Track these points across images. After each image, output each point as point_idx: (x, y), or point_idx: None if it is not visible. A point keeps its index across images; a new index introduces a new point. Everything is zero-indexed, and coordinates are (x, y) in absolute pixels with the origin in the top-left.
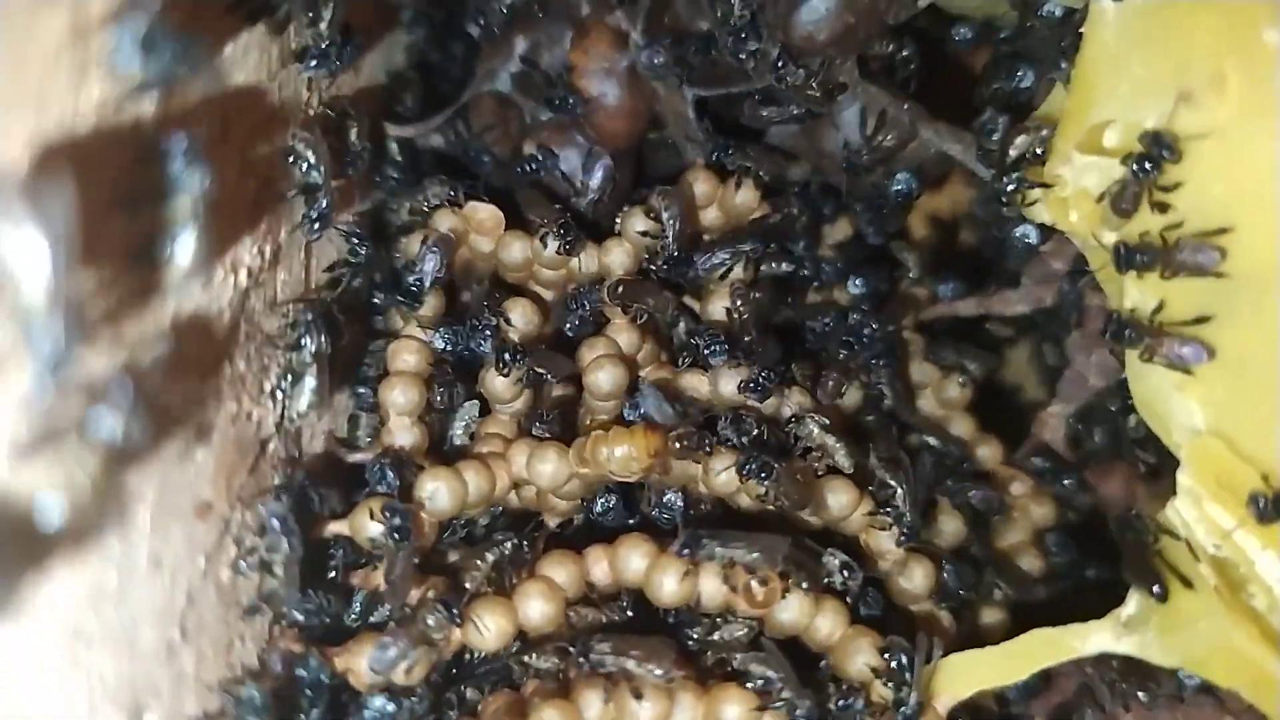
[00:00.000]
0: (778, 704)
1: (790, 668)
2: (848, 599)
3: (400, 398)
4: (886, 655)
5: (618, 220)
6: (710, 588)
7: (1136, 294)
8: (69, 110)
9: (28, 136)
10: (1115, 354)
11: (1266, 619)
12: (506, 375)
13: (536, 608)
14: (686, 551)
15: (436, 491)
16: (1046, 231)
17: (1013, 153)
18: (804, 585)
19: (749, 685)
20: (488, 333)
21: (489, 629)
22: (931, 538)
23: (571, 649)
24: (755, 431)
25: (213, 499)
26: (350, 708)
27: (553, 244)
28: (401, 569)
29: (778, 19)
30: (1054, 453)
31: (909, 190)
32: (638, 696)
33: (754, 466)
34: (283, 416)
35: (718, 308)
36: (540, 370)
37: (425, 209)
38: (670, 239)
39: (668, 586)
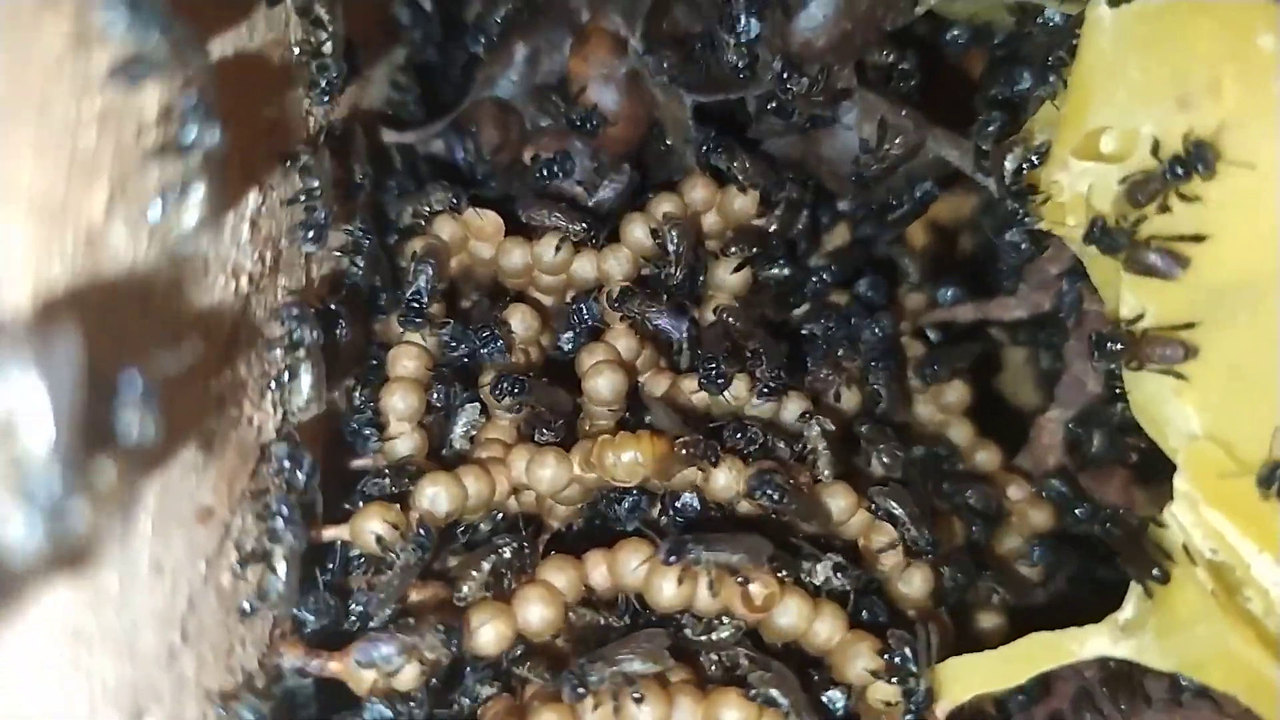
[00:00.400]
0: None
1: (799, 689)
2: (846, 603)
3: (400, 403)
4: (888, 655)
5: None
6: (708, 592)
7: (1132, 299)
8: (71, 118)
9: (30, 144)
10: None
11: (1263, 623)
12: (501, 400)
13: (536, 612)
14: (673, 558)
15: (436, 496)
16: (1043, 237)
17: (1008, 164)
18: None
19: (752, 695)
20: (497, 343)
21: (488, 634)
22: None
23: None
24: (761, 439)
25: (214, 504)
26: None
27: (564, 248)
28: (403, 579)
29: (776, 27)
30: (1071, 477)
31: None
32: (638, 701)
33: (767, 490)
34: (284, 421)
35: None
36: (539, 408)
37: (427, 214)
38: (674, 265)
39: (666, 590)
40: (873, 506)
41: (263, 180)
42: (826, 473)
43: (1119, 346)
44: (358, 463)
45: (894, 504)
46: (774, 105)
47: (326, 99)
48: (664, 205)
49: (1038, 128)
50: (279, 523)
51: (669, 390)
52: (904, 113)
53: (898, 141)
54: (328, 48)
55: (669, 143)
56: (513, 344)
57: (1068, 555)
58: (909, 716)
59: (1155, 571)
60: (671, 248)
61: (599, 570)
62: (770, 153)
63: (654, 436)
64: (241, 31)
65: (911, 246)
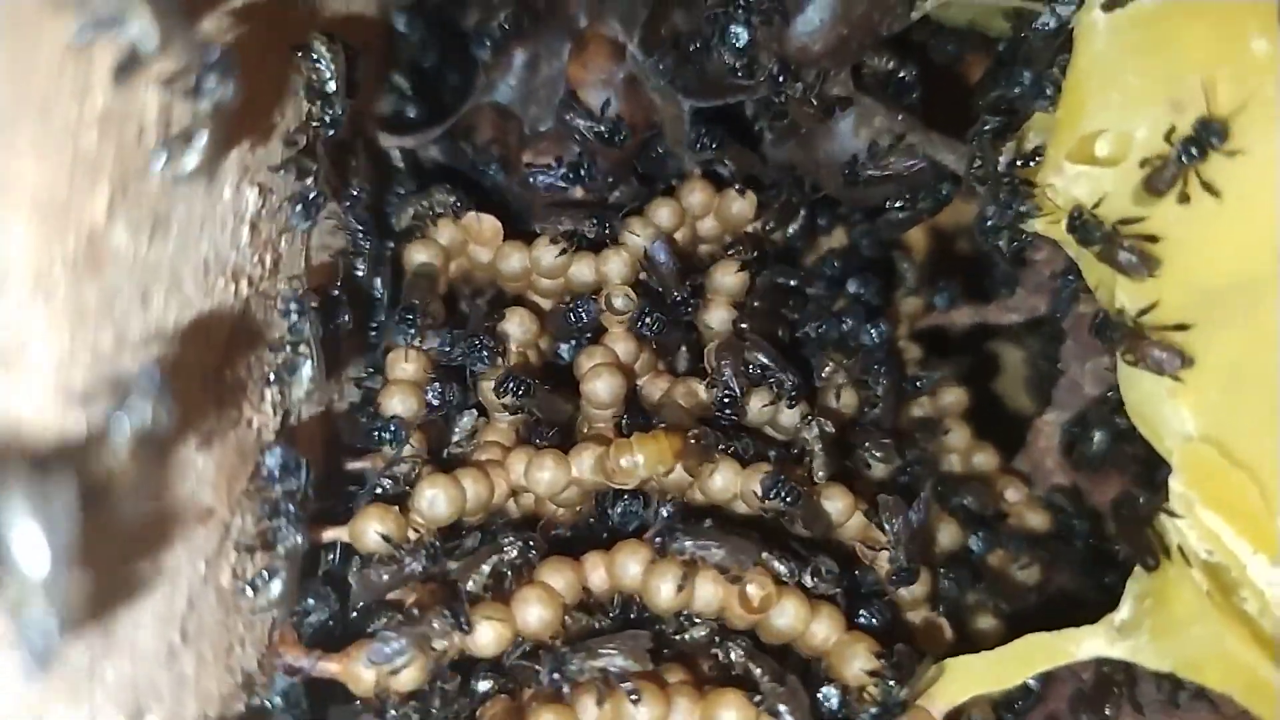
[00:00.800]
0: None
1: (808, 708)
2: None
3: (399, 406)
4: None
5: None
6: (706, 593)
7: (1126, 298)
8: (73, 119)
9: (32, 145)
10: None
11: (1258, 623)
12: (503, 399)
13: (535, 613)
14: (660, 541)
15: (435, 498)
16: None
17: (1002, 160)
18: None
19: (757, 702)
20: (485, 354)
21: (487, 634)
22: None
23: (539, 668)
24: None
25: (214, 504)
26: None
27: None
28: (399, 581)
29: (773, 32)
30: (1077, 493)
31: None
32: (635, 700)
33: (781, 489)
34: (283, 424)
35: (717, 316)
36: (537, 414)
37: (429, 216)
38: (668, 285)
39: (664, 592)
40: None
41: (262, 183)
42: (821, 474)
43: (1118, 335)
44: (357, 464)
45: (887, 519)
46: (770, 109)
47: (331, 133)
48: (662, 209)
49: (1033, 131)
50: (280, 523)
51: (667, 392)
52: (900, 117)
53: (908, 164)
54: (330, 86)
55: (667, 147)
56: (508, 352)
57: (1065, 556)
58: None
59: (1150, 560)
60: (660, 269)
61: (598, 572)
62: (768, 156)
63: (667, 434)
64: (242, 32)
65: (910, 250)
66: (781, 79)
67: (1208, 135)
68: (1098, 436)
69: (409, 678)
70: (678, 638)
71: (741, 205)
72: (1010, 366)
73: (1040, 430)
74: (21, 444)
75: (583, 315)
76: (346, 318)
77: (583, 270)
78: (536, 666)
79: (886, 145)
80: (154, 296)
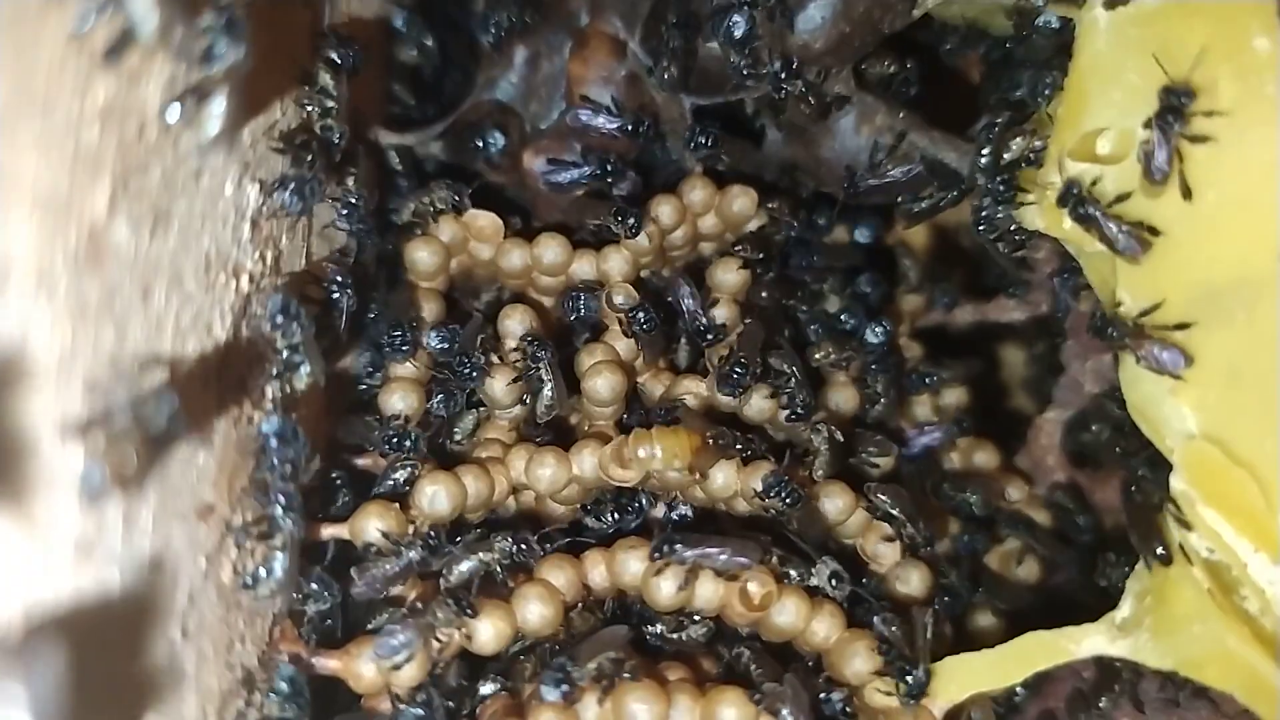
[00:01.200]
0: None
1: (809, 706)
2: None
3: (399, 404)
4: (881, 641)
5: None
6: (706, 591)
7: (1128, 296)
8: (74, 114)
9: (33, 140)
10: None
11: (1259, 621)
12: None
13: (535, 610)
14: (659, 555)
15: (435, 495)
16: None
17: (1007, 156)
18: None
19: (757, 701)
20: (475, 374)
21: (487, 631)
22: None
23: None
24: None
25: (214, 501)
26: None
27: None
28: (399, 575)
29: (774, 30)
30: (1078, 491)
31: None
32: (634, 679)
33: (783, 490)
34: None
35: (720, 314)
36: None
37: (429, 213)
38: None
39: (665, 590)
40: (869, 505)
41: (264, 180)
42: (820, 472)
43: (1117, 332)
44: (360, 461)
45: (890, 502)
46: (772, 107)
47: (334, 155)
48: (663, 207)
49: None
50: (277, 510)
51: (667, 390)
52: (901, 115)
53: (904, 169)
54: (332, 112)
55: (668, 145)
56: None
57: (1065, 555)
58: (909, 698)
59: (1160, 551)
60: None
61: (598, 569)
62: (770, 154)
63: (686, 430)
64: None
65: (912, 248)
66: (783, 76)
67: (1176, 99)
68: (1097, 435)
69: (410, 675)
70: (675, 635)
71: (743, 203)
72: (1011, 364)
73: (1041, 428)
74: None
75: (582, 308)
76: (350, 301)
77: (584, 267)
78: (540, 672)
79: (884, 153)
80: (155, 292)
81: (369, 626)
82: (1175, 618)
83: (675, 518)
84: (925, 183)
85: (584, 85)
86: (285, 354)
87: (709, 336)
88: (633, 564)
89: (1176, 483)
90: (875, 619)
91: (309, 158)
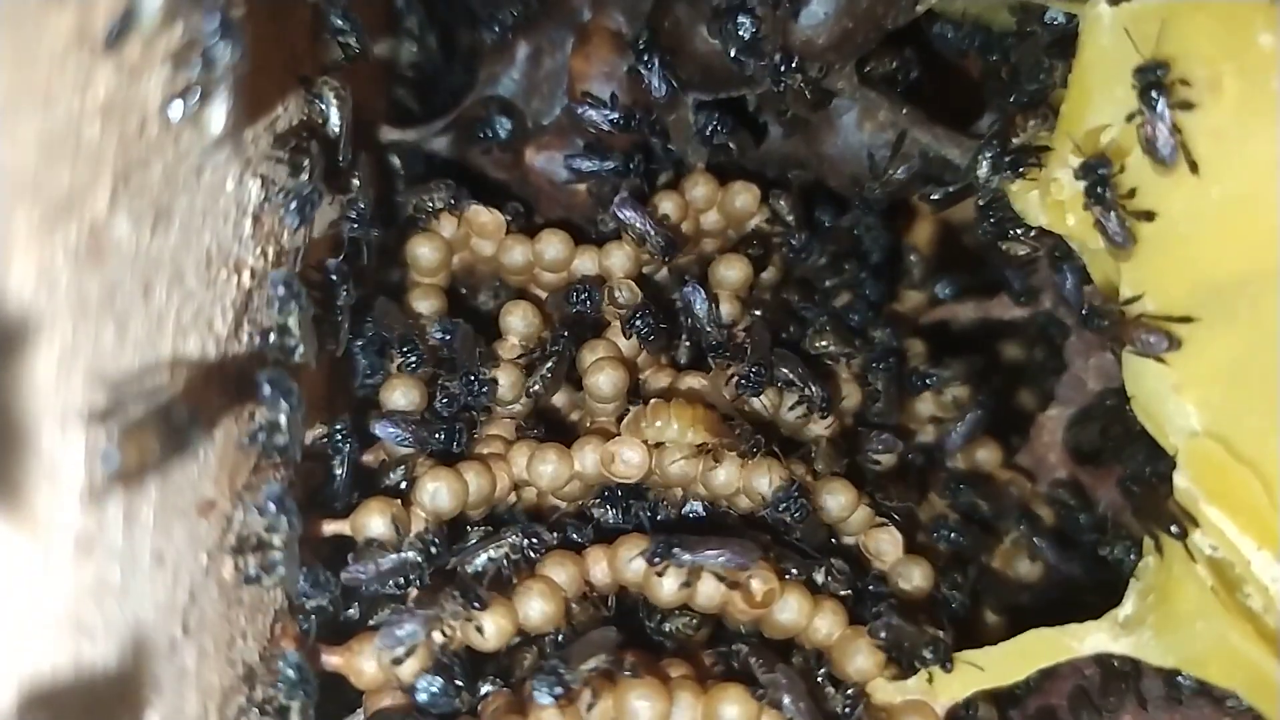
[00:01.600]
0: None
1: (808, 694)
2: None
3: (401, 399)
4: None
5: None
6: (708, 588)
7: (1130, 293)
8: (75, 111)
9: (34, 136)
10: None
11: (1262, 619)
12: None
13: (537, 607)
14: (657, 559)
15: (437, 491)
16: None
17: (1016, 140)
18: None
19: (759, 696)
20: (484, 390)
21: (489, 627)
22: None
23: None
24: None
25: (215, 496)
26: None
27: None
28: (396, 573)
29: (777, 25)
30: (1081, 488)
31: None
32: (635, 676)
33: (792, 506)
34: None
35: (723, 311)
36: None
37: (429, 210)
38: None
39: (667, 587)
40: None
41: (265, 175)
42: (820, 466)
43: (1103, 320)
44: (365, 457)
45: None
46: (775, 103)
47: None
48: (666, 203)
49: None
50: (271, 508)
51: (669, 386)
52: (904, 111)
53: (906, 169)
54: (334, 129)
55: (670, 141)
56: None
57: (1068, 553)
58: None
59: (1174, 529)
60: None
61: (600, 566)
62: (771, 150)
63: (708, 409)
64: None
65: (916, 244)
66: (783, 70)
67: (1151, 74)
68: (1099, 432)
69: (411, 669)
70: (668, 629)
71: (745, 199)
72: (1013, 361)
73: (1043, 425)
74: None
75: (585, 301)
76: (350, 292)
77: (586, 264)
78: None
79: (886, 157)
80: (156, 288)
81: (371, 623)
82: (1178, 615)
83: (689, 516)
84: (938, 173)
85: (586, 81)
86: (280, 332)
87: (721, 350)
88: (635, 561)
89: (1180, 480)
90: (874, 621)
91: (308, 164)
